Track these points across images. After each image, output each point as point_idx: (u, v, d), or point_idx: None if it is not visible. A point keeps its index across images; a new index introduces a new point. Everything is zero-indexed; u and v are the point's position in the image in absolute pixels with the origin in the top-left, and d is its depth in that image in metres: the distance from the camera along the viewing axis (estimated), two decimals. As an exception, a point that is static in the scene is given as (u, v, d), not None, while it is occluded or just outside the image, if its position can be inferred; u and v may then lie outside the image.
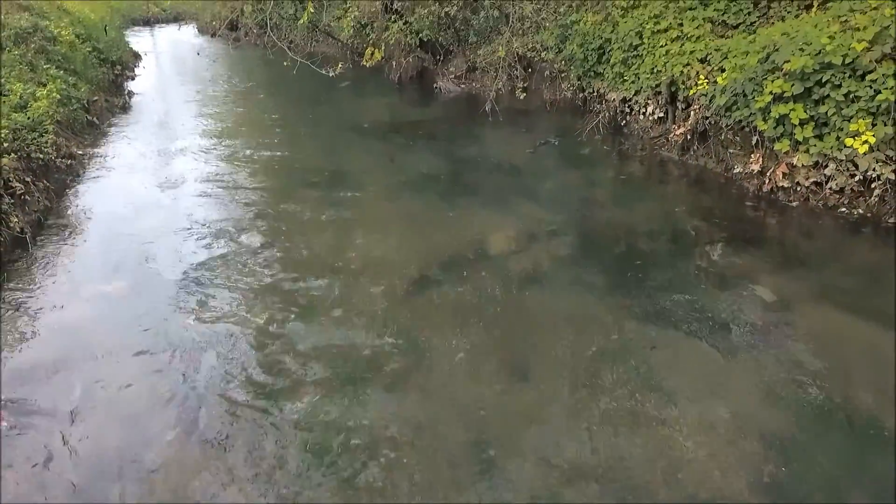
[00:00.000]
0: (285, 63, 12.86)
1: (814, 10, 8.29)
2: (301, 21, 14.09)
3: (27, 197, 6.81)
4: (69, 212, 7.33)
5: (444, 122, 12.24)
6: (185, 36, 33.16)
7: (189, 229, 6.70)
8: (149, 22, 41.69)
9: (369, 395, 4.04)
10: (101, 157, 9.54)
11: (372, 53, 13.44)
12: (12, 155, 6.97)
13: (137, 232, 6.68)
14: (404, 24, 14.51)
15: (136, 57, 22.11)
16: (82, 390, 4.13)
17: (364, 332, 4.75)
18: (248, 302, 5.21)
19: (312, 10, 13.36)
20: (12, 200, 6.47)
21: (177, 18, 43.90)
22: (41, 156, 7.62)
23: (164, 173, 8.73)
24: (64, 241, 6.49)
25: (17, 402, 4.02)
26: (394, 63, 16.06)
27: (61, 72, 11.25)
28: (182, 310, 5.10)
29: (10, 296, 5.33)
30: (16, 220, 6.26)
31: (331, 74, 10.96)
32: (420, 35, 14.73)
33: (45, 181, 7.55)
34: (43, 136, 7.90)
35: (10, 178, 6.63)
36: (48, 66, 11.02)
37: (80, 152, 9.43)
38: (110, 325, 4.92)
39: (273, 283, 5.56)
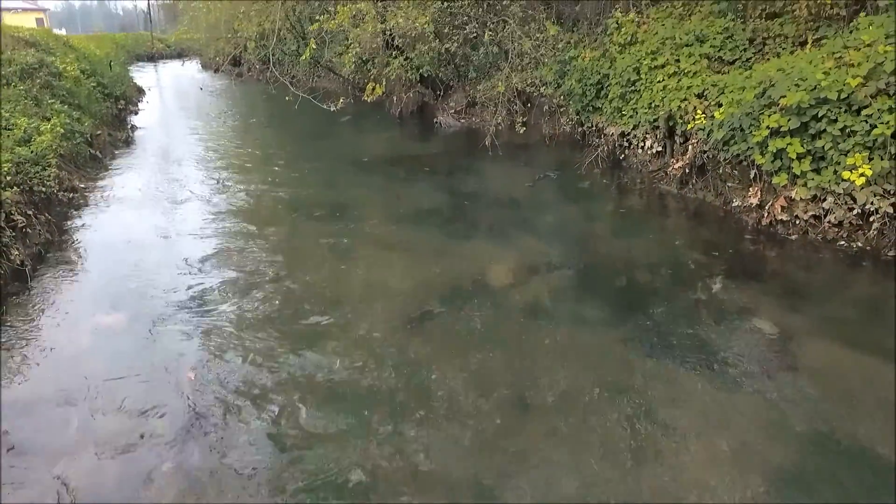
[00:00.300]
0: (287, 98, 13.08)
1: (808, 46, 8.43)
2: (303, 57, 14.35)
3: (28, 230, 6.83)
4: (70, 245, 7.34)
5: (444, 156, 12.34)
6: (188, 71, 33.69)
7: (189, 263, 6.69)
8: (153, 58, 42.43)
9: (368, 427, 3.99)
10: (102, 190, 9.58)
11: (373, 89, 13.67)
12: (15, 188, 7.02)
13: (137, 265, 6.67)
14: (405, 59, 14.76)
15: (140, 92, 22.45)
16: (79, 424, 4.09)
17: (363, 365, 4.71)
18: (246, 334, 5.18)
19: (315, 47, 13.61)
20: (13, 233, 6.48)
21: (181, 55, 44.63)
22: (43, 189, 7.67)
23: (164, 207, 8.77)
24: (64, 274, 6.49)
25: (13, 434, 3.97)
26: (394, 98, 16.28)
27: (65, 106, 11.40)
28: (181, 343, 5.08)
29: (9, 328, 5.31)
30: (16, 252, 6.27)
31: (332, 109, 11.13)
32: (420, 71, 14.97)
33: (46, 214, 7.58)
34: (46, 169, 7.97)
35: (12, 212, 6.66)
36: (53, 100, 11.18)
37: (83, 186, 9.49)
38: (108, 359, 4.89)
39: (272, 314, 5.54)
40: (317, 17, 13.16)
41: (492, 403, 4.24)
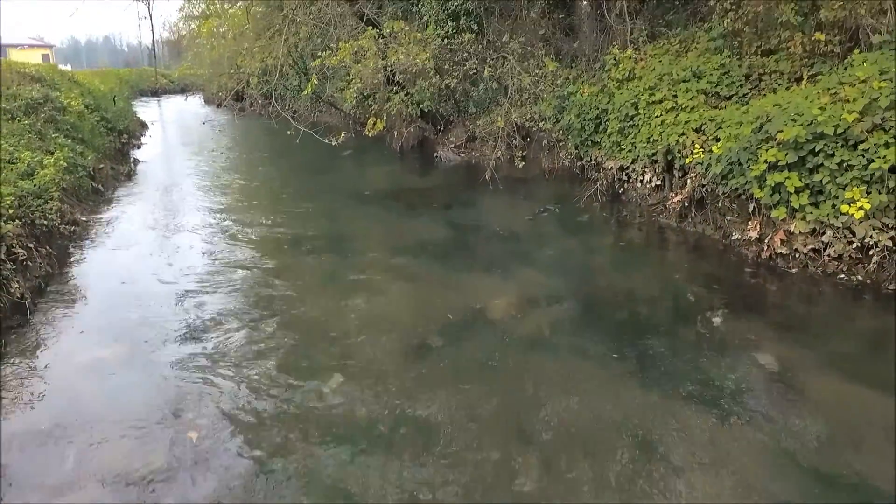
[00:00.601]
0: (289, 132, 13.20)
1: (803, 82, 8.56)
2: (305, 92, 14.49)
3: (29, 263, 6.84)
4: (70, 278, 7.34)
5: (444, 189, 12.42)
6: (191, 106, 34.06)
7: (188, 296, 6.68)
8: (156, 93, 43.04)
9: (366, 461, 3.94)
10: (104, 223, 9.62)
11: (374, 123, 13.82)
12: (17, 221, 7.04)
13: (137, 298, 6.66)
14: (406, 95, 14.92)
15: (143, 126, 22.69)
16: (75, 459, 4.04)
17: (363, 398, 4.68)
18: (245, 367, 5.15)
19: (316, 82, 13.79)
20: (14, 266, 6.48)
21: (184, 90, 45.21)
22: (45, 222, 7.71)
23: (165, 241, 8.79)
24: (63, 308, 6.47)
25: (9, 468, 3.92)
26: (395, 133, 16.45)
27: (69, 140, 11.53)
28: (178, 377, 5.04)
29: (8, 361, 5.28)
30: (16, 286, 6.26)
31: (333, 143, 11.22)
32: (421, 106, 15.13)
33: (47, 247, 7.60)
34: (48, 202, 8.01)
35: (14, 244, 6.67)
36: (56, 134, 11.30)
37: (84, 219, 9.53)
38: (107, 393, 4.85)
39: (272, 347, 5.52)
40: (319, 54, 13.34)
41: (491, 437, 4.19)
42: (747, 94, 9.45)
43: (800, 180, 7.03)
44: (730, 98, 9.55)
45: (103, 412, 4.57)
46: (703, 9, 12.20)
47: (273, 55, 17.41)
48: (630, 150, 10.34)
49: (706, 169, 8.32)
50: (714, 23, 11.01)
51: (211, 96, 36.49)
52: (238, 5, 22.65)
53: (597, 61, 12.68)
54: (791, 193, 7.06)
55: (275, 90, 16.09)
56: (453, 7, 13.51)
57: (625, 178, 10.52)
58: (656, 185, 9.83)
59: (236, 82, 29.48)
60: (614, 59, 11.63)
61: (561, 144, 12.59)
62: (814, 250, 6.99)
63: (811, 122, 7.04)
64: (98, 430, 4.36)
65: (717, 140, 8.53)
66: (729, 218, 8.17)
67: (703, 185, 8.45)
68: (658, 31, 12.23)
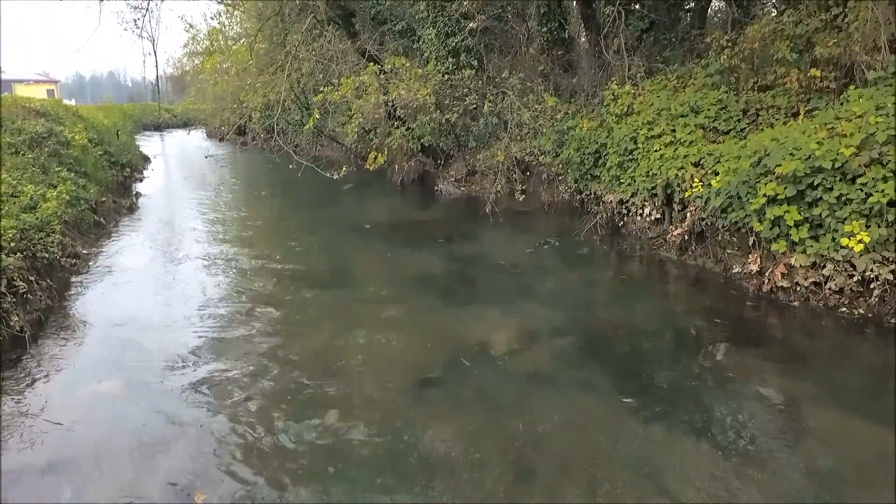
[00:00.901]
0: (291, 166, 13.30)
1: (800, 117, 8.65)
2: (307, 126, 14.67)
3: (30, 295, 6.83)
4: (70, 311, 7.32)
5: (444, 222, 12.48)
6: (193, 140, 34.37)
7: (187, 329, 6.66)
8: (159, 127, 43.49)
9: (368, 499, 3.89)
10: (104, 257, 9.62)
11: (375, 157, 13.93)
12: (18, 254, 7.05)
13: (136, 333, 6.63)
14: (406, 129, 15.08)
15: (145, 160, 22.86)
16: (73, 493, 3.98)
17: (364, 434, 4.63)
18: (244, 402, 5.10)
19: (318, 117, 13.95)
20: (14, 299, 6.47)
21: (186, 124, 45.69)
22: (46, 255, 7.72)
23: (165, 274, 8.80)
24: (63, 341, 6.44)
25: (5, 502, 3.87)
26: (396, 166, 16.56)
27: (72, 174, 11.59)
28: (177, 412, 4.99)
29: (7, 394, 5.24)
30: (16, 318, 6.25)
31: (335, 177, 11.30)
32: (422, 140, 15.27)
33: (48, 280, 7.59)
34: (49, 235, 8.03)
35: (14, 277, 6.67)
36: (60, 168, 11.38)
37: (85, 252, 9.54)
38: (104, 427, 4.80)
39: (271, 383, 5.47)
40: (321, 89, 13.51)
41: (494, 473, 4.14)
42: (745, 128, 9.55)
43: (799, 214, 7.06)
44: (728, 133, 9.65)
45: (101, 446, 4.52)
46: (699, 45, 12.42)
47: (275, 90, 17.64)
48: (629, 184, 10.40)
49: (706, 202, 8.36)
50: (710, 59, 11.17)
51: (213, 130, 36.86)
52: (241, 42, 23.06)
53: (595, 96, 12.85)
54: (791, 227, 7.08)
55: (277, 124, 16.27)
56: (454, 44, 13.73)
57: (624, 211, 10.57)
58: (656, 219, 9.87)
59: (239, 117, 29.86)
60: (613, 95, 11.77)
61: (560, 178, 12.68)
62: (815, 283, 6.99)
63: (809, 157, 7.10)
64: (96, 464, 4.31)
65: (716, 174, 8.58)
66: (729, 251, 8.19)
67: (703, 219, 8.49)
68: (655, 68, 12.42)
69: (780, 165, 7.24)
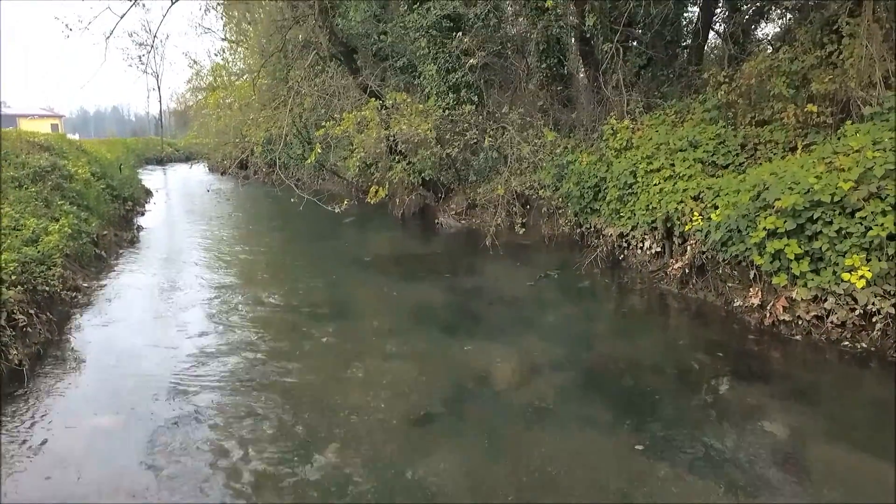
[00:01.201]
0: (292, 199, 13.36)
1: (798, 152, 8.72)
2: (308, 161, 14.79)
3: (29, 329, 6.81)
4: (69, 344, 7.28)
5: (445, 255, 12.50)
6: (195, 174, 34.62)
7: (186, 363, 6.62)
8: (161, 161, 43.76)
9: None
10: (105, 290, 9.61)
11: (376, 191, 14.00)
12: (19, 287, 7.05)
13: (135, 367, 6.58)
14: (408, 164, 15.18)
15: (148, 193, 22.98)
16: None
17: (361, 467, 4.57)
18: (243, 438, 5.05)
19: (320, 151, 14.06)
20: (14, 333, 6.45)
21: (189, 158, 46.00)
22: (47, 288, 7.71)
23: (164, 309, 8.74)
24: (62, 375, 6.39)
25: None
26: (397, 200, 16.64)
27: (74, 207, 11.64)
28: (175, 447, 4.94)
29: (5, 429, 5.18)
30: (15, 352, 6.22)
31: (336, 211, 11.34)
32: (422, 174, 15.35)
33: (48, 313, 7.57)
34: (51, 269, 8.04)
35: (14, 311, 6.66)
36: (62, 202, 11.42)
37: (86, 285, 9.54)
38: (104, 462, 4.74)
39: (269, 418, 5.42)
40: (323, 124, 13.65)
41: (496, 511, 4.08)
42: (743, 162, 9.62)
43: (799, 247, 7.07)
44: (726, 167, 9.71)
45: (101, 481, 4.46)
46: (696, 81, 12.59)
47: (278, 125, 17.83)
48: (629, 218, 10.44)
49: (706, 236, 8.38)
50: (708, 94, 11.31)
51: (215, 164, 37.17)
52: (244, 77, 23.37)
53: (594, 131, 12.97)
54: (791, 260, 7.09)
55: (279, 159, 16.39)
56: (454, 80, 13.90)
57: (624, 244, 10.59)
58: (656, 252, 9.89)
59: (241, 151, 30.13)
60: (612, 129, 11.88)
61: (560, 212, 12.73)
62: (816, 317, 6.97)
63: (808, 191, 7.14)
64: (93, 499, 4.25)
65: (716, 207, 8.62)
66: (730, 284, 8.18)
67: (703, 252, 8.50)
68: (654, 103, 12.57)
69: (779, 199, 7.27)
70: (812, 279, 6.96)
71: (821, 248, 6.95)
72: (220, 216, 19.06)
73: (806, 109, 9.38)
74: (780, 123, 9.64)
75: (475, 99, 13.89)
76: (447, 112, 13.70)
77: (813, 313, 6.98)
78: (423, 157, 14.44)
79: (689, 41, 14.30)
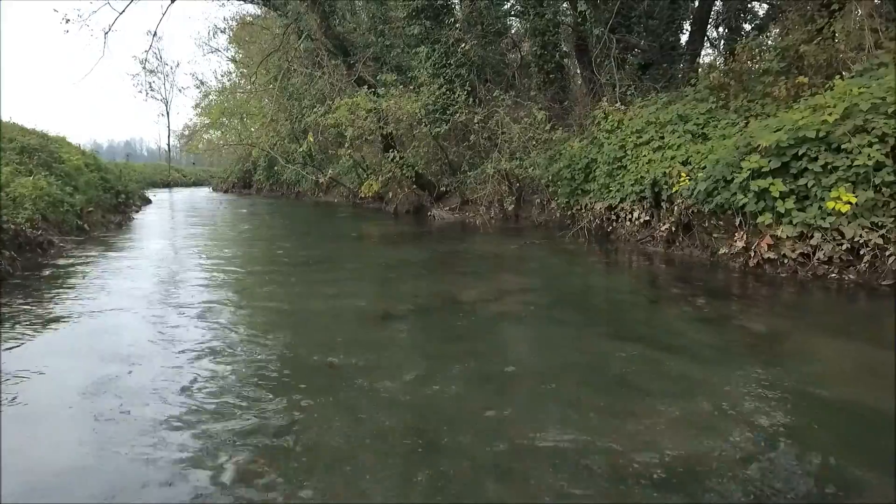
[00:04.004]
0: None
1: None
2: (301, 149, 14.72)
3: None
4: (28, 285, 6.94)
5: (434, 235, 12.26)
6: (200, 192, 34.84)
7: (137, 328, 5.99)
8: (168, 184, 44.01)
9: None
10: (80, 250, 9.35)
11: (370, 185, 13.88)
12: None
13: (83, 326, 5.95)
14: (400, 158, 14.97)
15: (146, 200, 22.96)
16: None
17: (353, 361, 4.28)
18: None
19: (312, 141, 14.00)
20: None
21: (195, 184, 46.45)
22: (13, 226, 7.53)
23: (131, 271, 8.11)
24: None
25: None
26: (391, 195, 16.49)
27: (60, 182, 11.53)
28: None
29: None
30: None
31: (320, 180, 11.17)
32: (415, 168, 15.16)
33: (11, 252, 7.38)
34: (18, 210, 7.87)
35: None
36: (47, 174, 11.32)
37: (61, 245, 9.32)
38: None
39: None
40: (314, 109, 13.62)
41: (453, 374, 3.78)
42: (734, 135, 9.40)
43: (784, 185, 6.83)
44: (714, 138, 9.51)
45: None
46: (691, 77, 12.63)
47: (277, 130, 17.94)
48: (618, 190, 10.21)
49: (692, 192, 8.13)
50: (700, 76, 11.24)
51: (219, 183, 37.52)
52: (249, 89, 23.61)
53: (587, 118, 12.86)
54: (776, 199, 6.84)
55: (280, 175, 16.27)
56: (447, 74, 13.91)
57: (613, 217, 10.34)
58: (645, 221, 9.62)
59: (244, 162, 30.32)
60: (603, 113, 11.76)
61: (552, 202, 12.53)
62: (802, 255, 6.68)
63: (793, 128, 6.94)
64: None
65: (704, 168, 8.42)
66: (716, 235, 7.90)
67: (690, 208, 8.24)
68: (646, 88, 12.49)
69: (764, 138, 7.07)
70: (797, 216, 6.69)
71: (806, 184, 6.71)
72: (213, 213, 18.98)
73: (797, 81, 9.24)
74: (771, 98, 9.47)
75: (468, 88, 13.82)
76: (437, 98, 13.61)
77: (799, 251, 6.69)
78: (415, 149, 14.36)
79: (683, 50, 14.46)
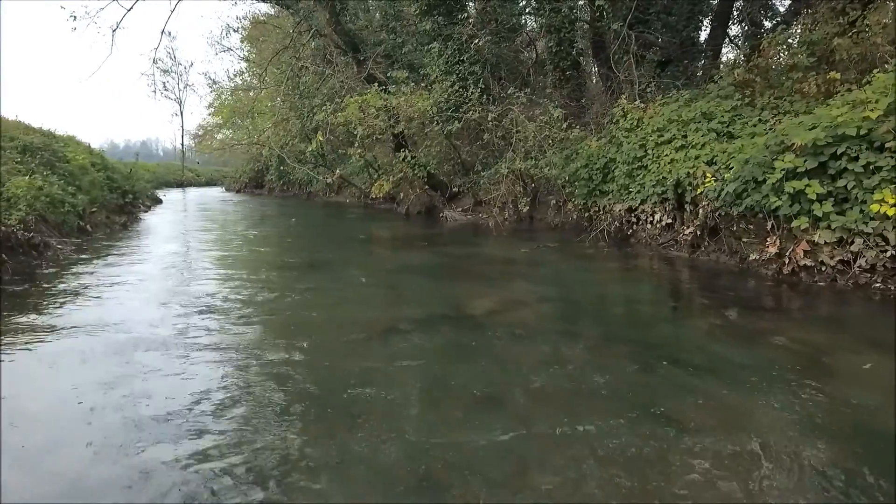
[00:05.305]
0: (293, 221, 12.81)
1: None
2: (311, 148, 14.34)
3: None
4: (13, 290, 6.60)
5: (446, 237, 11.82)
6: (212, 192, 34.69)
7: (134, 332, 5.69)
8: (181, 184, 43.92)
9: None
10: (78, 252, 9.01)
11: (381, 186, 13.47)
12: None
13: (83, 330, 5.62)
14: (412, 158, 14.58)
15: (156, 200, 22.72)
16: None
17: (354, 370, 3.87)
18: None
19: (322, 139, 13.61)
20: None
21: (208, 184, 46.35)
22: (3, 228, 7.19)
23: (135, 272, 7.77)
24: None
25: None
26: (402, 195, 16.08)
27: (62, 182, 11.23)
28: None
29: None
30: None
31: (328, 181, 10.79)
32: (427, 168, 14.74)
33: (2, 255, 7.03)
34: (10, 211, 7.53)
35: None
36: (48, 173, 11.02)
37: (59, 246, 8.96)
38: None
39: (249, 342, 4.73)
40: (324, 107, 13.22)
41: (459, 400, 3.34)
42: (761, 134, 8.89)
43: (822, 187, 6.33)
44: (741, 137, 8.99)
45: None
46: (709, 69, 12.09)
47: (288, 130, 17.61)
48: (639, 191, 9.74)
49: (719, 193, 7.64)
50: (723, 73, 10.72)
51: (232, 183, 37.36)
52: (259, 87, 23.30)
53: (605, 116, 12.38)
54: (812, 201, 6.34)
55: (291, 175, 15.96)
56: (460, 71, 13.47)
57: (633, 219, 9.85)
58: (667, 224, 9.14)
59: (255, 161, 30.09)
60: (622, 110, 11.28)
61: (568, 203, 12.05)
62: (842, 262, 6.17)
63: (831, 125, 6.44)
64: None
65: (730, 168, 7.93)
66: (745, 240, 7.40)
67: (716, 210, 7.74)
68: (665, 85, 11.98)
69: (799, 136, 6.57)
70: (836, 220, 6.19)
71: (846, 186, 6.21)
72: (223, 212, 18.67)
73: (829, 77, 8.72)
74: (800, 94, 8.95)
75: (481, 86, 13.37)
76: (450, 96, 13.17)
77: (838, 258, 6.19)
78: (426, 148, 13.93)
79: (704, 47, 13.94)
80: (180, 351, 4.23)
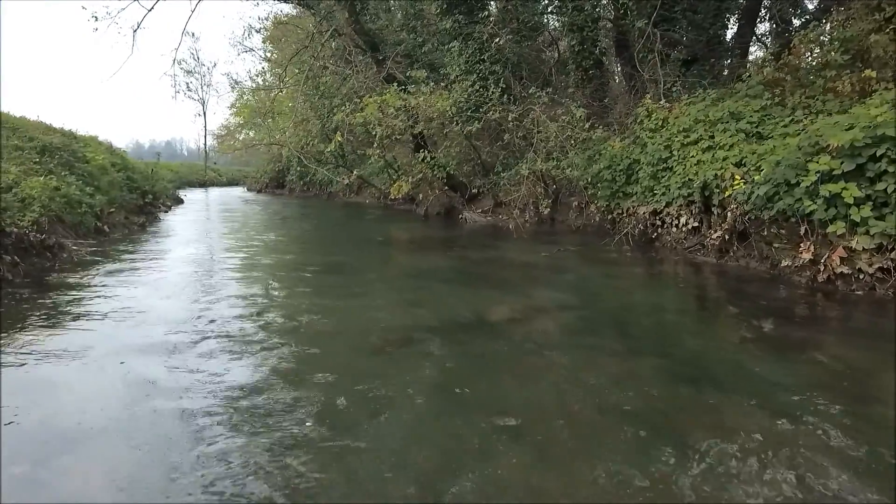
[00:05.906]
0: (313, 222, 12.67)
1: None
2: (329, 149, 14.18)
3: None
4: (29, 296, 6.47)
5: (465, 240, 11.59)
6: (234, 192, 34.83)
7: (168, 341, 5.32)
8: (204, 184, 44.20)
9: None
10: (95, 254, 8.93)
11: (400, 187, 13.28)
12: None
13: (110, 337, 5.09)
14: (431, 158, 14.37)
15: (178, 200, 22.78)
16: None
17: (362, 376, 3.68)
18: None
19: (341, 139, 13.46)
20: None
21: (230, 183, 46.58)
22: (16, 230, 7.10)
23: (149, 279, 7.42)
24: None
25: None
26: (421, 196, 15.89)
27: (80, 182, 11.20)
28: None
29: None
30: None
31: (346, 181, 10.62)
32: (447, 168, 14.52)
33: (14, 256, 6.94)
34: (24, 213, 7.45)
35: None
36: (66, 173, 10.99)
37: (75, 248, 8.88)
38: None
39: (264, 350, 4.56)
40: (343, 107, 13.07)
41: (476, 410, 3.13)
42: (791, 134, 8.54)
43: (860, 190, 6.01)
44: (772, 138, 8.65)
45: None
46: (736, 68, 11.71)
47: (307, 130, 17.50)
48: (664, 194, 9.44)
49: (749, 197, 7.33)
50: (752, 71, 10.38)
51: (252, 184, 37.52)
52: (280, 87, 23.24)
53: (629, 116, 12.08)
54: (850, 206, 6.02)
55: (311, 175, 15.84)
56: (480, 70, 13.25)
57: (658, 223, 9.55)
58: (693, 228, 8.82)
59: (276, 161, 30.11)
60: (646, 110, 10.98)
61: (591, 202, 11.77)
62: (882, 269, 5.85)
63: (869, 126, 6.11)
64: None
65: (760, 170, 7.61)
66: (777, 245, 7.08)
67: (746, 214, 7.43)
68: (692, 84, 11.65)
69: (835, 136, 6.25)
70: (875, 225, 5.87)
71: (886, 189, 5.88)
72: (244, 213, 18.62)
73: (863, 76, 8.36)
74: (833, 94, 8.59)
75: (502, 86, 13.12)
76: (470, 95, 12.94)
77: (877, 265, 5.86)
78: (446, 149, 13.72)
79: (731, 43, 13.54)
80: (188, 356, 4.07)
